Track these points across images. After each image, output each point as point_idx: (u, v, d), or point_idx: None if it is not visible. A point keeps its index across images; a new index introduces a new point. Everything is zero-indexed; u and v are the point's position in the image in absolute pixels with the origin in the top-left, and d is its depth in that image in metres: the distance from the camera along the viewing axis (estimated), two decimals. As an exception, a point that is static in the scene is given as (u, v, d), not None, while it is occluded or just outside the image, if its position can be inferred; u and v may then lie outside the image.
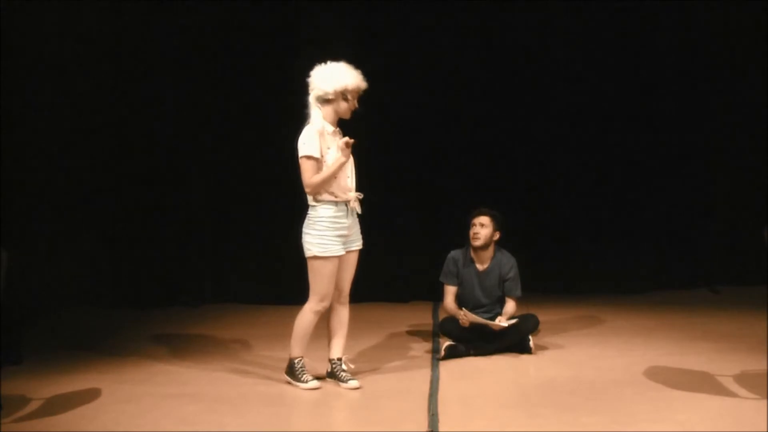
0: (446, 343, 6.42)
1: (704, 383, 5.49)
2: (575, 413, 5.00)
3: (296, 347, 5.69)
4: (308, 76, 5.63)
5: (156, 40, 8.41)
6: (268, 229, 8.47)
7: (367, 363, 6.31)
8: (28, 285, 7.41)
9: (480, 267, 6.56)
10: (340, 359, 5.79)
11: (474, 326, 6.36)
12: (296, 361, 5.70)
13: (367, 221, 8.70)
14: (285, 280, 8.29)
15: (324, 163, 5.54)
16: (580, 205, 8.81)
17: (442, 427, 4.81)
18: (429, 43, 8.65)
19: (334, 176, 5.54)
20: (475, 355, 6.31)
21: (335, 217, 5.60)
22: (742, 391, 5.30)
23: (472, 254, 6.57)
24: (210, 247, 8.65)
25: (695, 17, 8.68)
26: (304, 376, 5.67)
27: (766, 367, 5.70)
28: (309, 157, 5.51)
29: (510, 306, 6.50)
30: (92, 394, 5.59)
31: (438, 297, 6.96)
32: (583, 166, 8.80)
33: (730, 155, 8.83)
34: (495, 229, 6.50)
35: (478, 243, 6.48)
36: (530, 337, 6.45)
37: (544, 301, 7.71)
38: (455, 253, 6.63)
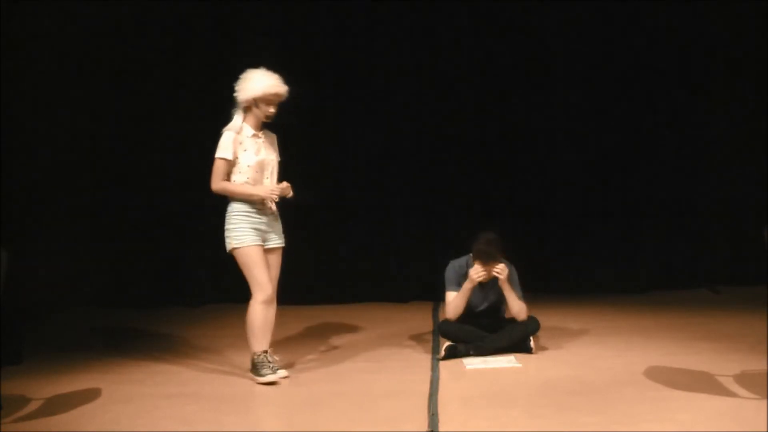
0: (446, 343, 6.41)
1: (704, 383, 5.49)
2: (575, 413, 4.99)
3: (254, 343, 5.86)
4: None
5: (152, 40, 8.42)
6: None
7: (367, 363, 6.31)
8: (28, 285, 7.41)
9: (483, 280, 6.52)
10: (266, 351, 5.90)
11: (474, 325, 6.40)
12: (257, 355, 5.85)
13: (367, 221, 8.78)
14: (283, 280, 8.27)
15: (237, 164, 5.80)
16: (580, 205, 8.80)
17: (442, 427, 4.81)
18: (430, 46, 8.65)
19: (237, 196, 5.81)
20: (475, 355, 6.30)
21: (249, 211, 5.84)
22: (742, 391, 5.30)
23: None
24: (210, 247, 8.63)
25: (697, 17, 8.68)
26: (263, 370, 5.81)
27: (766, 367, 5.70)
28: (220, 159, 5.81)
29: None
30: (92, 394, 5.59)
31: (438, 297, 6.96)
32: (583, 166, 8.79)
33: (730, 155, 8.82)
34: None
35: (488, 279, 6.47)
36: (530, 337, 6.45)
37: (544, 302, 7.70)
38: (455, 263, 6.59)
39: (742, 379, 5.53)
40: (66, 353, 6.72)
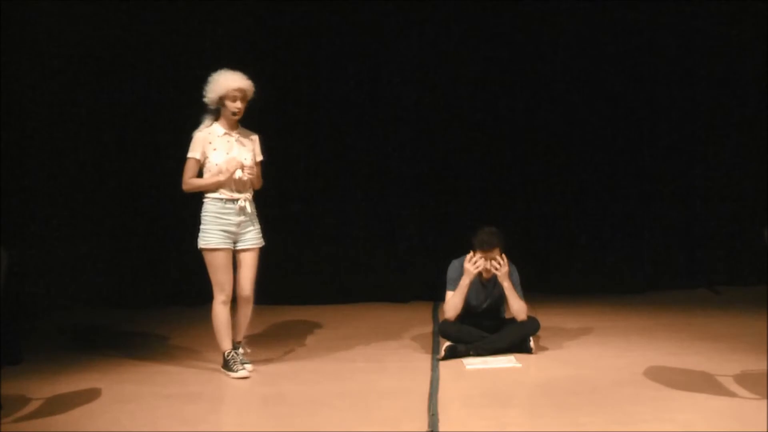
0: (446, 343, 6.41)
1: (704, 383, 5.49)
2: (575, 413, 4.99)
3: (222, 341, 6.07)
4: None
5: (154, 43, 8.43)
6: (265, 230, 8.47)
7: (367, 363, 6.31)
8: (28, 285, 7.41)
9: (484, 278, 6.52)
10: (239, 342, 6.13)
11: (474, 325, 6.40)
12: (226, 353, 6.05)
13: (367, 222, 8.77)
14: (281, 280, 8.29)
15: (207, 163, 5.96)
16: (579, 205, 8.80)
17: (442, 427, 4.81)
18: (430, 45, 8.65)
19: (208, 188, 5.96)
20: (475, 355, 6.30)
21: (220, 213, 5.97)
22: (742, 391, 5.30)
23: None
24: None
25: (696, 15, 8.68)
26: (235, 366, 5.99)
27: (766, 367, 5.70)
28: (189, 159, 6.01)
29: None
30: (92, 394, 5.59)
31: (438, 297, 6.95)
32: (583, 167, 8.79)
33: (730, 155, 8.82)
34: (502, 251, 6.45)
35: (489, 276, 6.46)
36: (530, 338, 6.45)
37: (544, 302, 7.71)
38: (456, 262, 6.58)
39: (742, 379, 5.53)
40: (66, 353, 6.72)
